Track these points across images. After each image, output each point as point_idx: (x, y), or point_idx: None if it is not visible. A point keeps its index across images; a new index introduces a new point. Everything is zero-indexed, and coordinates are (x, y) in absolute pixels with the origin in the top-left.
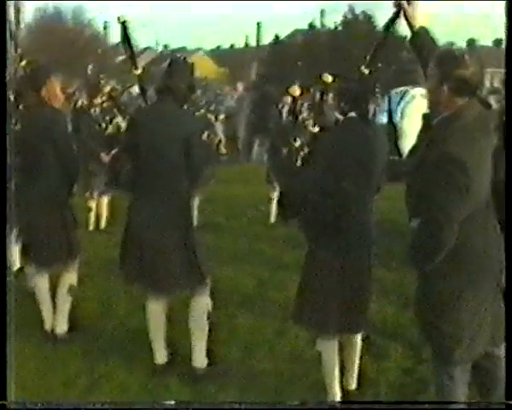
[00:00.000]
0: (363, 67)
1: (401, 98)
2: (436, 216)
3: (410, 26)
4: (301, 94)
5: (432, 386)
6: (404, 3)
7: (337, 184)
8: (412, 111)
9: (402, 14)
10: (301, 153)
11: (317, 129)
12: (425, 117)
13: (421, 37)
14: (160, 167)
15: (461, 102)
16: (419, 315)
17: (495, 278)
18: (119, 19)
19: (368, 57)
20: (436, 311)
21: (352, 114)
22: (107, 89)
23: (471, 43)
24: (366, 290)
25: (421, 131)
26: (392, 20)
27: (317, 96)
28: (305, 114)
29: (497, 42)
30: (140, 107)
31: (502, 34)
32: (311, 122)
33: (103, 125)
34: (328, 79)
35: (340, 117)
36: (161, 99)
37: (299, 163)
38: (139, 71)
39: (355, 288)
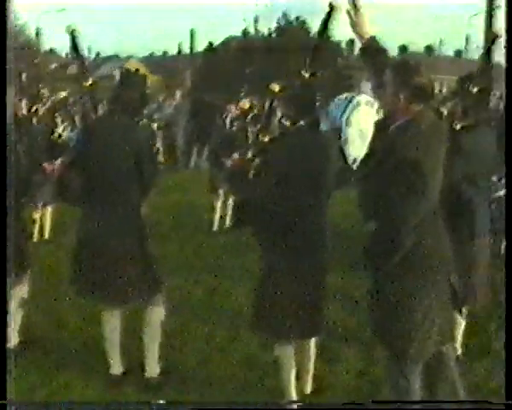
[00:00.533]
0: (303, 71)
1: (346, 105)
2: (394, 219)
3: (360, 36)
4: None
5: (386, 387)
6: (352, 13)
7: (290, 192)
8: (357, 118)
9: (350, 25)
10: (253, 163)
11: (267, 138)
12: (378, 124)
13: (373, 48)
14: (113, 179)
15: (417, 108)
16: (372, 316)
17: (445, 278)
18: (68, 28)
19: (307, 60)
20: (389, 311)
21: (301, 122)
22: (58, 97)
23: (403, 49)
24: (322, 295)
25: (374, 138)
26: (325, 22)
27: (266, 105)
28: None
29: (428, 48)
30: (91, 118)
31: (432, 40)
32: (254, 133)
33: (47, 134)
34: (275, 88)
35: (288, 124)
36: (113, 111)
37: (251, 173)
38: (89, 82)
39: (311, 293)
